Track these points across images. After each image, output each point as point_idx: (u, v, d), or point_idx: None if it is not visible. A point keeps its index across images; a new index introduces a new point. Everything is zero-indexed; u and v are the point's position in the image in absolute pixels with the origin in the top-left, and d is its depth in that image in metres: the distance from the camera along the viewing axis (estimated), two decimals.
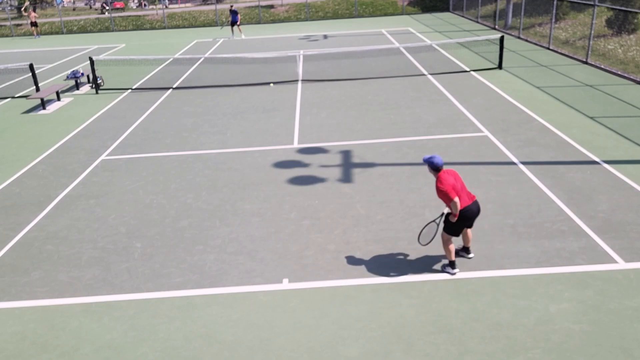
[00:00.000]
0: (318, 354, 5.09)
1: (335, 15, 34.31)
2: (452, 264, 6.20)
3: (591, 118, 11.38)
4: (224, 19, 26.78)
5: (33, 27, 32.75)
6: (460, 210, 5.85)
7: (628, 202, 7.63)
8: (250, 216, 7.88)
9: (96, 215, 8.22)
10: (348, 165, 9.59)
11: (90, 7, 52.04)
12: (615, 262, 6.26)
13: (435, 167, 5.89)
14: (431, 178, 8.76)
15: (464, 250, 6.52)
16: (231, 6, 28.31)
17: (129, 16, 37.41)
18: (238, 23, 27.05)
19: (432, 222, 6.29)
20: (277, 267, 6.57)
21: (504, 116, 11.78)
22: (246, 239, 7.25)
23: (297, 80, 16.47)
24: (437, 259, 6.53)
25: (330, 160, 9.87)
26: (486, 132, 10.78)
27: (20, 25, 37.39)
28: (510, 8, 24.46)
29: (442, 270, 6.26)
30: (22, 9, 40.44)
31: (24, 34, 35.14)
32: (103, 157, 10.70)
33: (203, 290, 6.19)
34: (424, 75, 16.23)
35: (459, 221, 5.94)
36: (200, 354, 5.19)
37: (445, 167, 5.80)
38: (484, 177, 8.71)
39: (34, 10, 34.16)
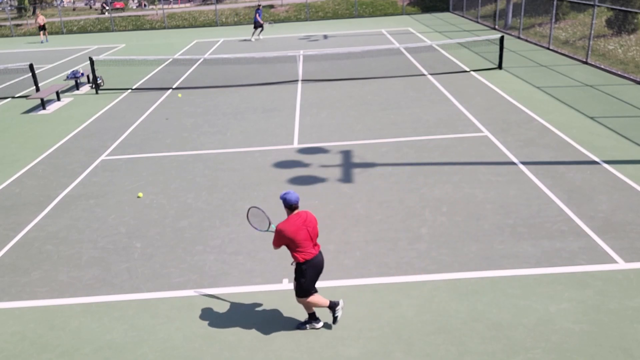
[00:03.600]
0: (318, 354, 5.09)
1: (335, 15, 34.31)
2: (311, 317, 5.41)
3: (591, 118, 11.38)
4: (271, 19, 25.76)
5: (41, 32, 30.19)
6: (309, 260, 5.09)
7: (628, 202, 7.64)
8: (250, 216, 7.87)
9: (96, 215, 8.22)
10: (348, 165, 9.59)
11: (90, 7, 52.09)
12: (615, 262, 6.26)
13: (286, 205, 5.09)
14: (431, 178, 8.76)
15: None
16: (259, 6, 27.33)
17: (129, 16, 37.43)
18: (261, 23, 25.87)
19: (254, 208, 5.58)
20: (277, 267, 6.57)
21: (504, 116, 11.78)
22: (246, 239, 7.25)
23: (297, 80, 16.48)
24: (437, 259, 6.53)
25: (330, 160, 9.87)
26: (486, 132, 10.78)
27: (20, 25, 37.39)
28: (510, 8, 24.46)
29: (300, 327, 5.44)
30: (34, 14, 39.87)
31: (24, 34, 35.14)
32: (103, 157, 10.70)
33: (203, 290, 6.20)
34: (424, 75, 16.23)
35: (308, 273, 5.13)
36: (200, 354, 5.20)
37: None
38: (484, 177, 8.71)
39: (34, 12, 33.80)
